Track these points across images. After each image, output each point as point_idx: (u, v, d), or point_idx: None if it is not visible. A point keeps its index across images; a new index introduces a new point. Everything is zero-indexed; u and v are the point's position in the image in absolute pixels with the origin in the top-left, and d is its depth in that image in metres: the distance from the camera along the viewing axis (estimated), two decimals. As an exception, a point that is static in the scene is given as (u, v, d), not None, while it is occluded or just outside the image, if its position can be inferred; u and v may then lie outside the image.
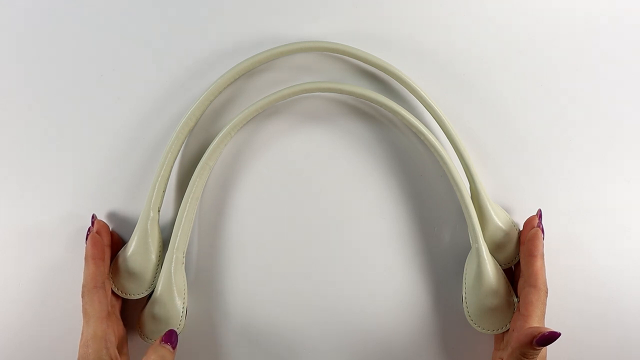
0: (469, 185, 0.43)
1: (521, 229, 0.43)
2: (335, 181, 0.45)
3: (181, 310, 0.42)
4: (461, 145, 0.42)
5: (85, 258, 0.41)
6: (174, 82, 0.44)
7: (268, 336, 0.45)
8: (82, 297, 0.40)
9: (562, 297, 0.44)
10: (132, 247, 0.42)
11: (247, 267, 0.45)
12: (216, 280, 0.45)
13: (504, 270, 0.43)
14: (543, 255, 0.41)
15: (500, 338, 0.43)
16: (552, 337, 0.36)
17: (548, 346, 0.38)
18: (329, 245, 0.45)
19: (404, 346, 0.45)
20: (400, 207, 0.45)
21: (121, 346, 0.41)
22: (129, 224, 0.44)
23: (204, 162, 0.42)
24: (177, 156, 0.42)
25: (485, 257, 0.41)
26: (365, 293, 0.45)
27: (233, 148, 0.45)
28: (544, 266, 0.41)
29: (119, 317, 0.43)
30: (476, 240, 0.42)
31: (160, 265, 0.43)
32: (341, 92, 0.42)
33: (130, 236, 0.43)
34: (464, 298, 0.43)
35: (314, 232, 0.45)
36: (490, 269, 0.42)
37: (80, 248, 0.43)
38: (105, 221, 0.43)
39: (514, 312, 0.42)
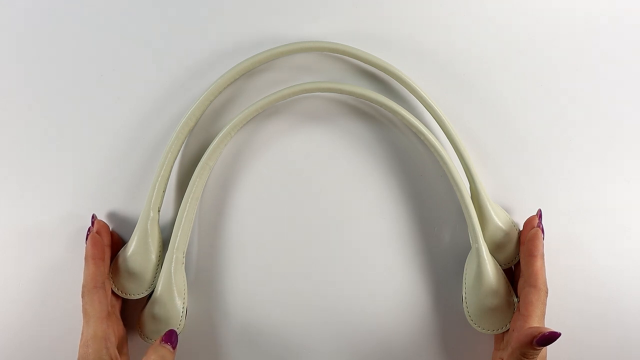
0: (469, 185, 0.43)
1: (521, 229, 0.43)
2: (335, 181, 0.45)
3: (181, 310, 0.42)
4: (461, 145, 0.42)
5: (85, 258, 0.41)
6: (174, 82, 0.44)
7: (268, 336, 0.45)
8: (82, 297, 0.40)
9: (562, 297, 0.44)
10: (132, 247, 0.42)
11: (247, 267, 0.45)
12: (216, 280, 0.45)
13: (504, 270, 0.43)
14: (543, 255, 0.41)
15: (500, 338, 0.43)
16: (552, 337, 0.36)
17: (548, 346, 0.38)
18: (329, 245, 0.45)
19: (404, 346, 0.45)
20: (400, 207, 0.45)
21: (121, 346, 0.41)
22: (129, 224, 0.44)
23: (204, 162, 0.42)
24: (177, 156, 0.42)
25: (485, 257, 0.41)
26: (365, 293, 0.45)
27: (233, 148, 0.45)
28: (544, 266, 0.41)
29: (119, 317, 0.43)
30: (476, 240, 0.42)
31: (160, 265, 0.43)
32: (341, 92, 0.42)
33: (130, 236, 0.43)
34: (464, 298, 0.43)
35: (314, 232, 0.45)
36: (490, 269, 0.42)
37: (80, 248, 0.43)
38: (105, 221, 0.43)
39: (514, 312, 0.42)
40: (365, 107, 0.45)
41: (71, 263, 0.44)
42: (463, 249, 0.45)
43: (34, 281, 0.44)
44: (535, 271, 0.40)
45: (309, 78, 0.44)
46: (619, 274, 0.45)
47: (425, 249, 0.45)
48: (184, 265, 0.43)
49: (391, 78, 0.43)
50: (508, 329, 0.42)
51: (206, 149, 0.43)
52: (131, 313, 0.44)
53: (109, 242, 0.43)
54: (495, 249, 0.43)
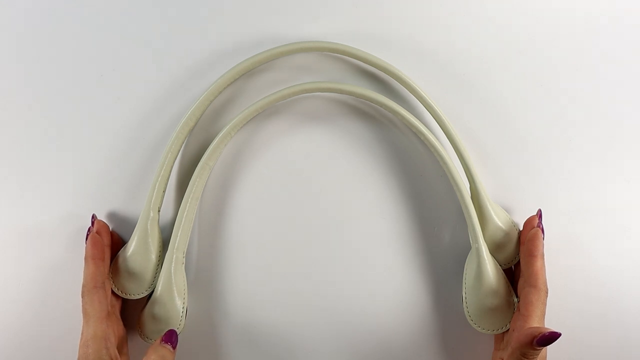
0: (469, 185, 0.43)
1: (521, 229, 0.43)
2: (335, 181, 0.45)
3: (181, 310, 0.42)
4: (461, 145, 0.42)
5: (85, 258, 0.41)
6: (174, 82, 0.44)
7: (268, 336, 0.45)
8: (82, 297, 0.40)
9: (562, 297, 0.44)
10: (132, 247, 0.42)
11: (247, 267, 0.45)
12: (216, 280, 0.45)
13: (504, 270, 0.43)
14: (543, 255, 0.41)
15: (500, 338, 0.43)
16: (553, 337, 0.36)
17: (548, 346, 0.38)
18: (329, 245, 0.45)
19: (404, 346, 0.45)
20: (400, 207, 0.45)
21: (121, 346, 0.41)
22: (129, 224, 0.44)
23: (204, 162, 0.42)
24: (177, 156, 0.42)
25: (485, 257, 0.41)
26: (365, 293, 0.45)
27: (233, 148, 0.45)
28: (544, 266, 0.41)
29: (119, 317, 0.43)
30: (476, 240, 0.42)
31: (160, 265, 0.43)
32: (341, 92, 0.42)
33: (130, 236, 0.43)
34: (464, 298, 0.43)
35: (314, 232, 0.45)
36: (490, 269, 0.42)
37: (80, 248, 0.43)
38: (105, 221, 0.43)
39: (514, 312, 0.42)
40: (365, 107, 0.45)
41: (71, 263, 0.44)
42: (463, 249, 0.45)
43: (34, 281, 0.44)
44: (535, 271, 0.40)
45: (309, 78, 0.44)
46: (619, 274, 0.45)
47: (425, 249, 0.45)
48: (184, 265, 0.43)
49: (391, 78, 0.43)
50: (508, 329, 0.42)
51: (206, 149, 0.43)
52: (131, 313, 0.44)
53: (109, 242, 0.43)
54: (495, 249, 0.43)
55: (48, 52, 0.44)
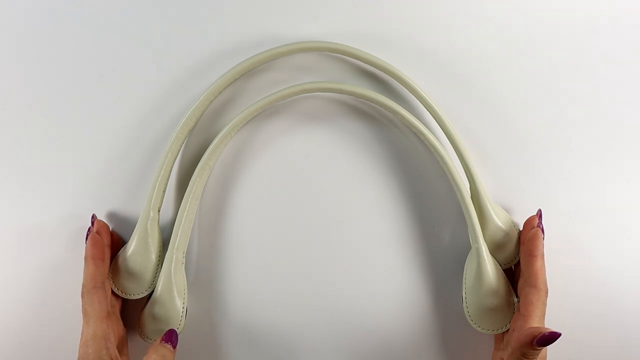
0: (469, 185, 0.43)
1: (521, 229, 0.43)
2: (335, 181, 0.45)
3: (181, 310, 0.42)
4: (461, 145, 0.42)
5: (85, 258, 0.41)
6: (174, 82, 0.44)
7: (268, 336, 0.45)
8: (82, 297, 0.40)
9: (562, 297, 0.44)
10: (132, 247, 0.42)
11: (247, 267, 0.45)
12: (216, 280, 0.45)
13: (504, 270, 0.43)
14: (543, 255, 0.41)
15: (500, 338, 0.43)
16: (553, 337, 0.36)
17: (548, 346, 0.38)
18: (329, 245, 0.45)
19: (404, 346, 0.45)
20: (400, 207, 0.45)
21: (121, 346, 0.41)
22: (129, 224, 0.44)
23: (204, 162, 0.42)
24: (177, 156, 0.42)
25: (485, 257, 0.41)
26: (365, 293, 0.45)
27: (233, 148, 0.45)
28: (544, 266, 0.41)
29: (119, 317, 0.43)
30: (476, 240, 0.42)
31: (160, 265, 0.43)
32: (341, 92, 0.42)
33: (130, 236, 0.43)
34: (464, 298, 0.43)
35: (314, 232, 0.45)
36: (490, 269, 0.42)
37: (80, 248, 0.43)
38: (105, 221, 0.43)
39: (514, 312, 0.42)
40: (365, 107, 0.45)
41: (71, 263, 0.44)
42: (463, 249, 0.45)
43: (34, 281, 0.44)
44: (535, 271, 0.40)
45: (309, 78, 0.44)
46: (619, 274, 0.45)
47: (425, 249, 0.45)
48: (184, 265, 0.43)
49: (391, 78, 0.43)
50: (508, 329, 0.42)
51: (206, 149, 0.43)
52: (131, 313, 0.44)
53: (109, 242, 0.43)
54: (495, 249, 0.43)
55: (48, 52, 0.44)
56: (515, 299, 0.42)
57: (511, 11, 0.44)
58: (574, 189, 0.45)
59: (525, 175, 0.45)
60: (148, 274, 0.42)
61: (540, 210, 0.43)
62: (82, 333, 0.40)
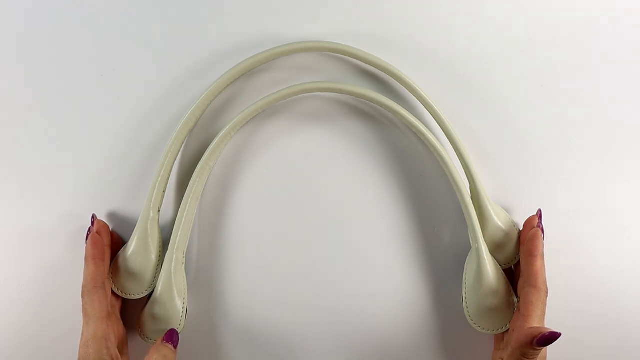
0: (469, 185, 0.43)
1: (521, 229, 0.43)
2: (335, 181, 0.45)
3: (181, 310, 0.42)
4: (461, 145, 0.42)
5: (85, 258, 0.41)
6: (174, 82, 0.44)
7: (268, 336, 0.45)
8: (82, 297, 0.40)
9: (562, 297, 0.44)
10: (132, 247, 0.42)
11: (247, 267, 0.45)
12: (216, 280, 0.45)
13: (504, 270, 0.43)
14: (543, 255, 0.41)
15: (500, 338, 0.43)
16: (553, 337, 0.36)
17: (548, 346, 0.38)
18: (329, 245, 0.45)
19: (404, 346, 0.45)
20: (400, 207, 0.45)
21: (121, 346, 0.41)
22: (129, 224, 0.44)
23: (204, 162, 0.42)
24: (177, 156, 0.42)
25: (485, 257, 0.41)
26: (365, 293, 0.45)
27: (233, 148, 0.45)
28: (544, 266, 0.41)
29: (119, 317, 0.43)
30: (476, 240, 0.42)
31: (160, 265, 0.43)
32: (341, 92, 0.42)
33: (130, 236, 0.43)
34: (464, 298, 0.43)
35: (314, 232, 0.45)
36: (490, 269, 0.42)
37: (80, 248, 0.43)
38: (105, 221, 0.43)
39: (514, 312, 0.42)
40: (365, 107, 0.45)
41: (71, 263, 0.44)
42: (463, 249, 0.45)
43: (34, 281, 0.44)
44: (535, 271, 0.40)
45: (309, 78, 0.44)
46: (619, 274, 0.45)
47: (425, 249, 0.45)
48: (184, 265, 0.43)
49: (391, 78, 0.43)
50: (508, 329, 0.42)
51: (206, 149, 0.43)
52: (131, 313, 0.44)
53: (109, 242, 0.43)
54: (495, 249, 0.43)
55: (48, 52, 0.44)
56: (515, 299, 0.42)
57: (511, 11, 0.44)
58: (574, 189, 0.45)
59: (525, 175, 0.45)
60: (148, 274, 0.42)
61: (540, 210, 0.43)
62: (82, 333, 0.40)
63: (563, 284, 0.44)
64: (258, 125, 0.45)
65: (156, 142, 0.44)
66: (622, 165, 0.45)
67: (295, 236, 0.45)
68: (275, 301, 0.45)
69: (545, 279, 0.41)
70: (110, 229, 0.44)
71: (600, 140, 0.45)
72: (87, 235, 0.42)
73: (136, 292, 0.42)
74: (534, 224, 0.42)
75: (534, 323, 0.39)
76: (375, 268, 0.45)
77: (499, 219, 0.43)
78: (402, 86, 0.43)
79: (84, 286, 0.40)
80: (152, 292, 0.42)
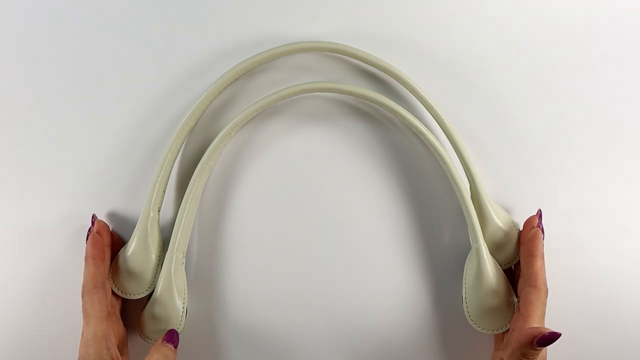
0: (469, 185, 0.43)
1: (521, 229, 0.43)
2: (335, 181, 0.45)
3: (181, 310, 0.42)
4: (461, 145, 0.42)
5: (86, 258, 0.41)
6: (174, 82, 0.44)
7: (268, 336, 0.45)
8: (82, 297, 0.40)
9: (562, 297, 0.44)
10: (132, 247, 0.42)
11: (247, 267, 0.45)
12: (216, 280, 0.45)
13: (504, 270, 0.43)
14: (543, 255, 0.41)
15: (500, 338, 0.43)
16: (553, 337, 0.36)
17: (548, 346, 0.38)
18: (329, 245, 0.45)
19: (404, 346, 0.45)
20: (400, 207, 0.45)
21: (122, 346, 0.41)
22: (129, 224, 0.44)
23: (204, 162, 0.42)
24: (177, 156, 0.42)
25: (485, 257, 0.41)
26: (365, 293, 0.45)
27: (233, 148, 0.45)
28: (544, 266, 0.41)
29: (119, 317, 0.43)
30: (476, 240, 0.42)
31: (160, 265, 0.43)
32: (341, 92, 0.42)
33: (130, 236, 0.43)
34: (464, 298, 0.43)
35: (314, 232, 0.45)
36: (490, 269, 0.42)
37: (80, 248, 0.43)
38: (105, 221, 0.43)
39: (514, 312, 0.42)
40: (365, 107, 0.45)
41: (71, 263, 0.44)
42: (463, 249, 0.45)
43: (34, 281, 0.44)
44: (535, 271, 0.40)
45: (309, 78, 0.44)
46: (619, 274, 0.45)
47: (425, 249, 0.45)
48: (184, 265, 0.43)
49: (391, 78, 0.43)
50: (508, 329, 0.42)
51: (206, 149, 0.43)
52: (131, 313, 0.44)
53: (109, 242, 0.43)
54: (495, 249, 0.43)
55: (48, 52, 0.44)
56: (515, 299, 0.42)
57: (511, 11, 0.44)
58: (574, 189, 0.45)
59: (525, 175, 0.45)
60: (148, 274, 0.42)
61: (540, 210, 0.43)
62: (82, 333, 0.40)
63: (563, 284, 0.44)
64: (258, 125, 0.45)
65: (156, 142, 0.44)
66: (622, 165, 0.45)
67: (295, 236, 0.45)
68: (275, 301, 0.45)
69: (545, 279, 0.41)
70: (110, 229, 0.44)
71: (600, 140, 0.45)
72: (87, 235, 0.42)
73: (136, 292, 0.42)
74: (534, 224, 0.42)
75: (534, 323, 0.39)
76: (375, 268, 0.45)
77: (499, 219, 0.43)
78: (402, 86, 0.43)
79: (84, 286, 0.40)
80: (152, 292, 0.42)
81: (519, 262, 0.43)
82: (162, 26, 0.44)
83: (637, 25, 0.45)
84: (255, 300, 0.45)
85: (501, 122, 0.45)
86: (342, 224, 0.45)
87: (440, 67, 0.44)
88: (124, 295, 0.42)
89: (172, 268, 0.42)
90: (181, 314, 0.42)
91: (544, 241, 0.42)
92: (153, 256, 0.42)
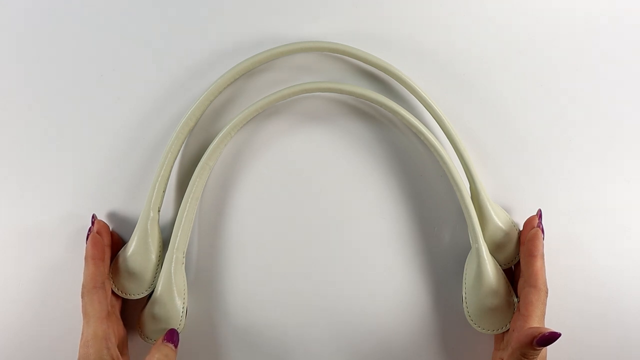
0: (469, 185, 0.43)
1: (521, 229, 0.43)
2: (335, 181, 0.45)
3: (181, 310, 0.42)
4: (461, 145, 0.42)
5: (85, 258, 0.41)
6: (174, 82, 0.44)
7: (268, 336, 0.45)
8: (82, 297, 0.40)
9: (562, 297, 0.44)
10: (132, 247, 0.42)
11: (247, 267, 0.45)
12: (216, 280, 0.45)
13: (504, 270, 0.43)
14: (543, 255, 0.41)
15: (500, 338, 0.43)
16: (553, 337, 0.36)
17: (548, 346, 0.38)
18: (329, 245, 0.45)
19: (404, 346, 0.45)
20: (400, 207, 0.45)
21: (122, 346, 0.41)
22: (129, 224, 0.44)
23: (204, 162, 0.42)
24: (177, 156, 0.42)
25: (485, 257, 0.41)
26: (365, 293, 0.45)
27: (233, 148, 0.45)
28: (544, 266, 0.41)
29: (119, 317, 0.43)
30: (476, 240, 0.42)
31: (160, 265, 0.43)
32: (341, 92, 0.42)
33: (130, 236, 0.43)
34: (464, 298, 0.43)
35: (314, 232, 0.45)
36: (490, 269, 0.42)
37: (80, 248, 0.43)
38: (105, 221, 0.43)
39: (514, 312, 0.42)
40: (365, 107, 0.45)
41: (71, 263, 0.44)
42: (463, 249, 0.45)
43: (34, 281, 0.44)
44: (535, 271, 0.40)
45: (309, 78, 0.44)
46: (619, 274, 0.45)
47: (425, 249, 0.45)
48: (184, 265, 0.43)
49: (391, 78, 0.43)
50: (508, 329, 0.42)
51: (206, 149, 0.43)
52: (131, 313, 0.44)
53: (109, 242, 0.43)
54: (495, 249, 0.43)
55: (48, 52, 0.44)
56: (515, 299, 0.42)
57: (511, 11, 0.44)
58: (574, 189, 0.45)
59: (525, 175, 0.45)
60: (148, 274, 0.42)
61: (540, 210, 0.43)
62: (82, 333, 0.40)
63: (563, 284, 0.44)
64: (258, 125, 0.45)
65: (156, 142, 0.44)
66: (622, 165, 0.45)
67: (295, 236, 0.45)
68: (275, 301, 0.45)
69: (545, 279, 0.41)
70: (110, 229, 0.44)
71: (600, 140, 0.45)
72: (87, 235, 0.42)
73: (136, 292, 0.42)
74: (534, 224, 0.42)
75: (534, 323, 0.39)
76: (375, 268, 0.45)
77: (499, 219, 0.43)
78: (402, 86, 0.43)
79: (84, 286, 0.40)
80: (152, 292, 0.42)
81: (519, 262, 0.43)
82: (162, 26, 0.44)
83: (637, 25, 0.45)
84: (255, 300, 0.45)
85: (501, 122, 0.45)
86: (342, 224, 0.45)
87: (440, 67, 0.44)
88: (124, 295, 0.42)
89: (172, 268, 0.42)
90: (181, 314, 0.42)
91: (544, 241, 0.42)
92: (153, 256, 0.42)
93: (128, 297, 0.42)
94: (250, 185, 0.45)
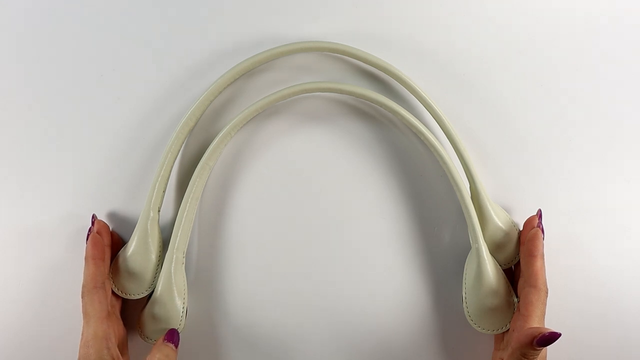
0: (469, 185, 0.43)
1: (521, 229, 0.43)
2: (335, 181, 0.45)
3: (181, 310, 0.42)
4: (461, 145, 0.42)
5: (86, 258, 0.41)
6: (174, 82, 0.44)
7: (268, 336, 0.45)
8: (82, 298, 0.40)
9: (562, 297, 0.44)
10: (132, 247, 0.42)
11: (247, 267, 0.45)
12: (216, 280, 0.45)
13: (504, 270, 0.43)
14: (543, 255, 0.41)
15: (500, 338, 0.43)
16: (553, 337, 0.36)
17: (548, 346, 0.38)
18: (329, 245, 0.45)
19: (404, 346, 0.45)
20: (400, 207, 0.45)
21: (122, 346, 0.41)
22: (129, 224, 0.44)
23: (204, 162, 0.42)
24: (177, 156, 0.42)
25: (485, 257, 0.41)
26: (365, 293, 0.45)
27: (233, 148, 0.45)
28: (544, 266, 0.41)
29: (119, 317, 0.43)
30: (476, 240, 0.42)
31: (160, 265, 0.43)
32: (341, 92, 0.42)
33: (130, 236, 0.43)
34: (464, 298, 0.43)
35: (314, 232, 0.45)
36: (490, 269, 0.42)
37: (80, 248, 0.43)
38: (105, 221, 0.43)
39: (514, 312, 0.42)
40: (365, 107, 0.45)
41: (71, 263, 0.44)
42: (463, 249, 0.45)
43: (34, 281, 0.44)
44: (535, 271, 0.40)
45: (309, 78, 0.44)
46: (619, 274, 0.45)
47: (425, 249, 0.45)
48: (184, 265, 0.43)
49: (391, 78, 0.43)
50: (508, 329, 0.42)
51: (206, 149, 0.43)
52: (131, 313, 0.44)
53: (109, 242, 0.43)
54: (495, 249, 0.43)
55: (48, 52, 0.44)
56: (515, 299, 0.42)
57: (511, 11, 0.44)
58: (574, 189, 0.45)
59: (525, 175, 0.45)
60: (148, 274, 0.42)
61: (540, 210, 0.43)
62: (82, 333, 0.40)
63: (563, 284, 0.44)
64: (258, 125, 0.45)
65: (156, 142, 0.44)
66: (622, 165, 0.45)
67: (295, 236, 0.45)
68: (275, 301, 0.45)
69: (545, 279, 0.41)
70: (110, 229, 0.44)
71: (600, 140, 0.45)
72: (87, 235, 0.42)
73: (136, 292, 0.42)
74: (534, 224, 0.42)
75: (534, 323, 0.39)
76: (375, 268, 0.45)
77: (499, 219, 0.43)
78: (402, 86, 0.43)
79: (84, 286, 0.40)
80: (152, 292, 0.42)
81: (519, 262, 0.43)
82: (162, 26, 0.44)
83: (637, 25, 0.45)
84: (255, 300, 0.45)
85: (501, 122, 0.45)
86: (342, 224, 0.45)
87: (440, 67, 0.44)
88: (124, 295, 0.42)
89: (172, 268, 0.42)
90: (181, 314, 0.42)
91: (544, 241, 0.42)
92: (153, 256, 0.42)
93: (128, 297, 0.42)
94: (250, 185, 0.45)
